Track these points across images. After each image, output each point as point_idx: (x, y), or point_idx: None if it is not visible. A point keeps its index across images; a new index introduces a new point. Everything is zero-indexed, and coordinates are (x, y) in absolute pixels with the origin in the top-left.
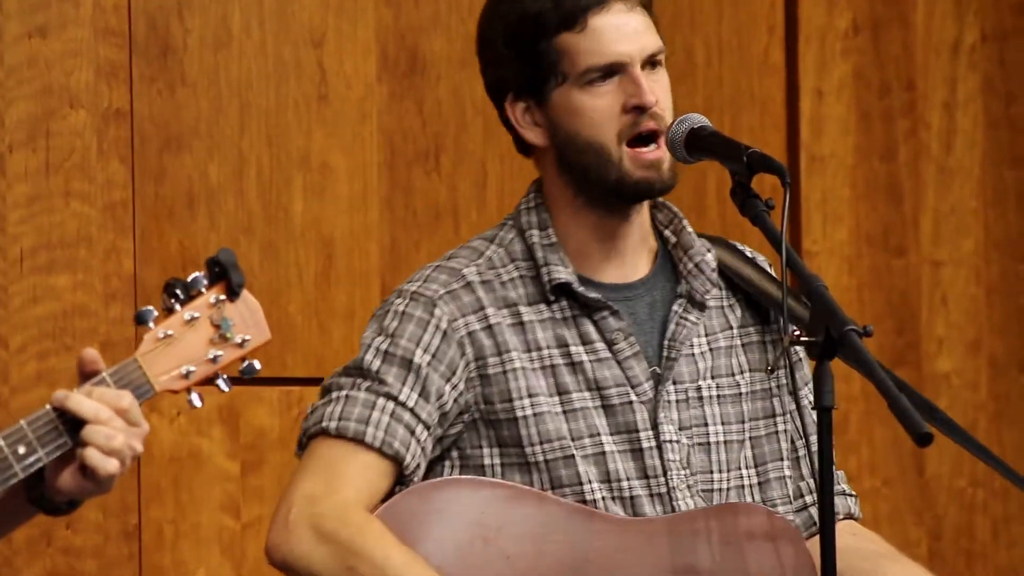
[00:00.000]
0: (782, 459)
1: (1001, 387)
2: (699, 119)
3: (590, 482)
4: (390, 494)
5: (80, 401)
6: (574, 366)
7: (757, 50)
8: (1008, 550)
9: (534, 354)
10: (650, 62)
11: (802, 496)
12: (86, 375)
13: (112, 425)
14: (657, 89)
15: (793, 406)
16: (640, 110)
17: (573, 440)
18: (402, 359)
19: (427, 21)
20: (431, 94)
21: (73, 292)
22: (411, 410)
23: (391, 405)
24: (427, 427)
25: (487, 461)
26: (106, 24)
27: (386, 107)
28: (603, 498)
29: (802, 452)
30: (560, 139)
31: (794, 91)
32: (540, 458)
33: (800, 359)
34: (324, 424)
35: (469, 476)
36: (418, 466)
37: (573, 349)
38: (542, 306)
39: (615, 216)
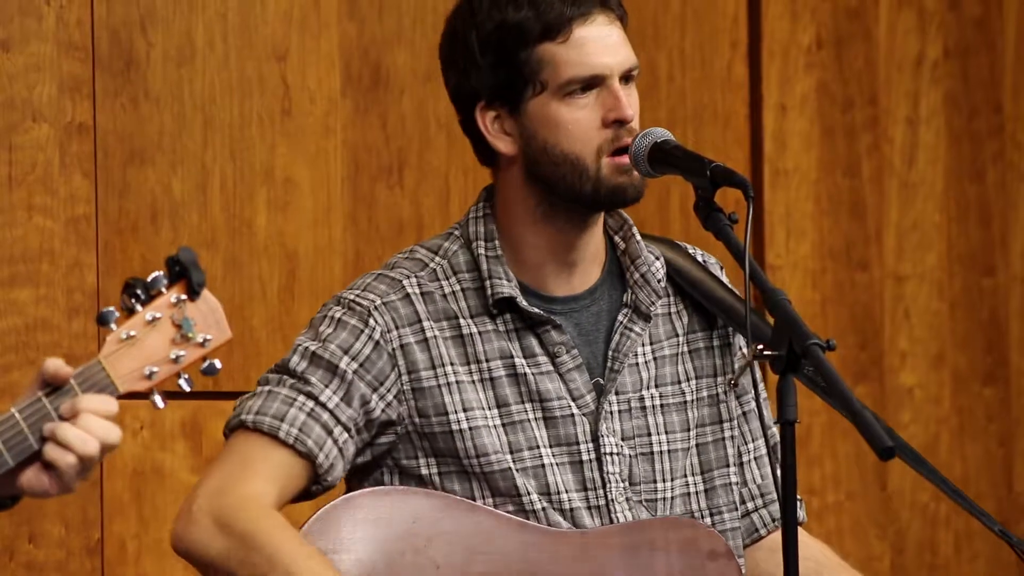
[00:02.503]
0: (728, 465)
1: (964, 401)
2: (663, 133)
3: (529, 493)
4: (306, 493)
5: (67, 433)
6: (517, 378)
7: (721, 65)
8: (970, 564)
9: (473, 367)
10: (625, 77)
11: (744, 503)
12: (49, 384)
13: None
14: (632, 104)
15: (740, 411)
16: (619, 124)
17: (512, 453)
18: (328, 363)
19: (391, 36)
20: (394, 108)
21: (36, 306)
22: (330, 411)
23: (310, 404)
24: (347, 429)
25: (424, 471)
26: (69, 38)
27: (350, 121)
28: (543, 508)
29: (745, 458)
30: (533, 149)
31: (757, 106)
32: (477, 470)
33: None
34: (243, 417)
35: (401, 486)
36: (332, 466)
37: (517, 362)
38: (486, 319)
39: (574, 229)
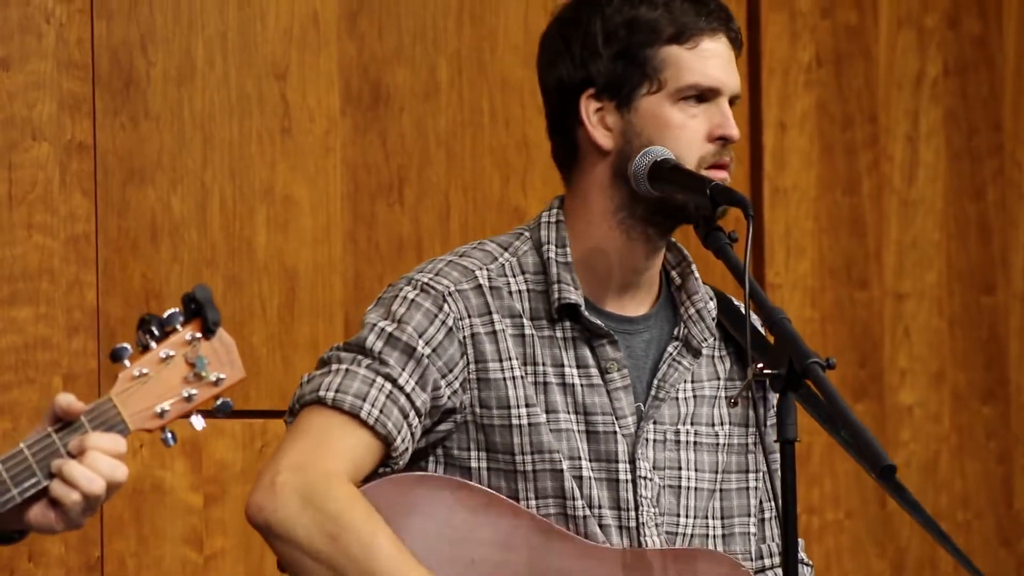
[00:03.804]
0: (749, 515)
1: (964, 419)
2: (662, 152)
3: (576, 499)
4: (373, 475)
5: (74, 471)
6: (565, 387)
7: None
8: None
9: (529, 368)
10: (730, 100)
11: (763, 558)
12: (61, 419)
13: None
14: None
15: (766, 468)
16: (724, 141)
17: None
18: (405, 345)
19: (390, 54)
20: (394, 127)
21: (35, 325)
22: (407, 395)
23: (389, 386)
24: (419, 414)
25: (474, 464)
26: (69, 57)
27: (349, 140)
28: (585, 516)
29: (767, 515)
30: (633, 147)
31: (757, 124)
32: (529, 467)
33: (774, 423)
34: (321, 393)
35: (449, 477)
36: (406, 450)
37: (567, 371)
38: (544, 323)
39: (644, 247)
